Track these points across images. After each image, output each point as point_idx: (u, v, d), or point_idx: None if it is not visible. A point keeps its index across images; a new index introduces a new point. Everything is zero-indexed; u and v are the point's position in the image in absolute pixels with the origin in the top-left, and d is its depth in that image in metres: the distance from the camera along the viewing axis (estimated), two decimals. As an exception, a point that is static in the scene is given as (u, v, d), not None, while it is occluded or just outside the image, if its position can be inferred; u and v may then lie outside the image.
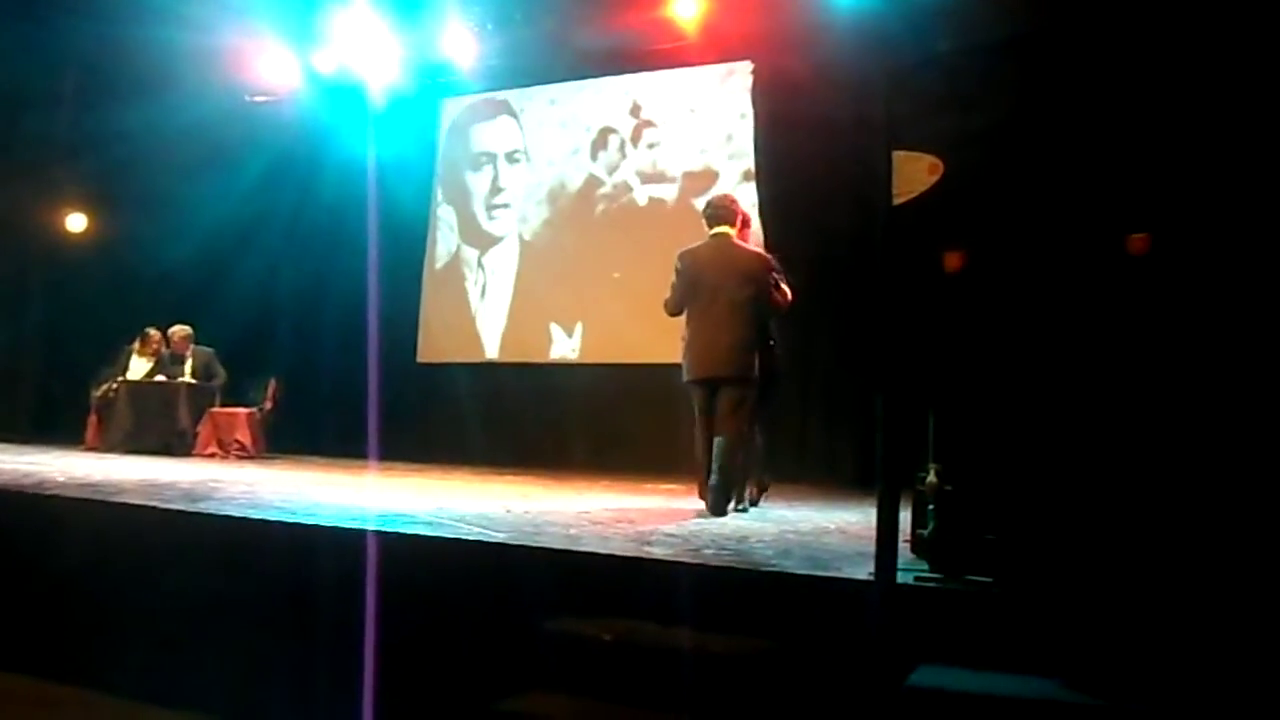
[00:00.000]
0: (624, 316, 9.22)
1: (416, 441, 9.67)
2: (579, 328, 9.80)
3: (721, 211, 5.64)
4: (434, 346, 10.63)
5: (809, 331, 8.68)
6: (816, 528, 4.82)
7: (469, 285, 10.49)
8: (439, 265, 10.69)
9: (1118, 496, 3.00)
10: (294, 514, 4.46)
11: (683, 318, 5.67)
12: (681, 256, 5.62)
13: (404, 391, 10.04)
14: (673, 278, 5.64)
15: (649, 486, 6.75)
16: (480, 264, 10.46)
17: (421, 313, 10.67)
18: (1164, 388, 3.07)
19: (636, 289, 8.96)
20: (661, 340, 7.67)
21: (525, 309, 10.10)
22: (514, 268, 10.26)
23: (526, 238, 10.23)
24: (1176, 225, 3.21)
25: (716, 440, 5.33)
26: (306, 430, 9.78)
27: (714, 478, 5.28)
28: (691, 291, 5.51)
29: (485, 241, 10.45)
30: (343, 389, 9.02)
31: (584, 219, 9.88)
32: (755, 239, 5.80)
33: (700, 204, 6.10)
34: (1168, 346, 3.12)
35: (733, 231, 5.63)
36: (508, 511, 5.12)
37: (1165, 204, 3.22)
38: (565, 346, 9.85)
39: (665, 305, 5.72)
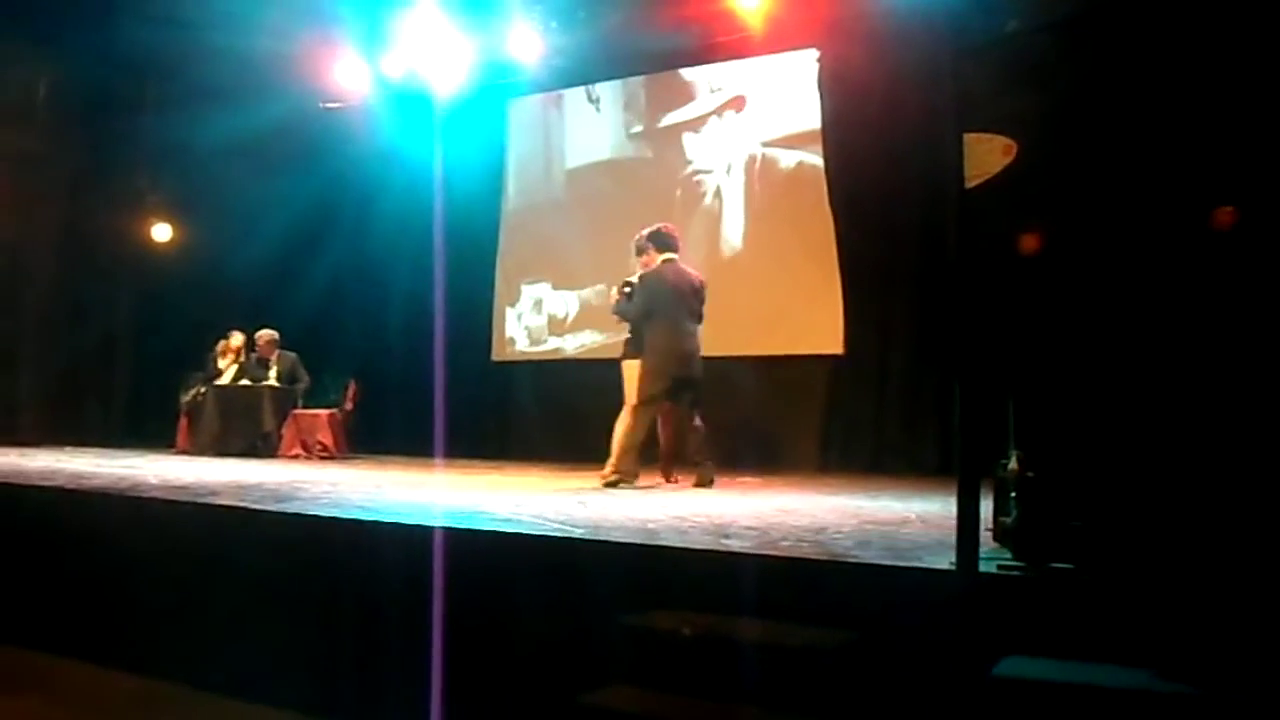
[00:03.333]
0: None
1: (493, 439, 9.80)
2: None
3: (672, 240, 6.80)
4: (508, 345, 10.72)
5: (885, 319, 8.59)
6: (896, 517, 4.76)
7: (542, 283, 10.56)
8: (511, 264, 10.77)
9: (1206, 479, 2.91)
10: (377, 513, 4.54)
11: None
12: (648, 275, 6.69)
13: (480, 391, 10.16)
14: (624, 289, 6.87)
15: (725, 480, 6.74)
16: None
17: (494, 312, 10.77)
18: (1254, 366, 2.97)
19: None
20: (731, 333, 7.67)
21: (599, 305, 10.11)
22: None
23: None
24: (1264, 197, 3.10)
25: (696, 429, 6.57)
26: (386, 430, 9.94)
27: (707, 461, 6.56)
28: (657, 305, 6.58)
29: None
30: (420, 390, 9.15)
31: (652, 212, 9.85)
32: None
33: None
34: (1257, 324, 3.02)
35: (678, 257, 6.77)
36: (582, 504, 5.15)
37: (1251, 176, 3.11)
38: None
39: (624, 313, 6.87)
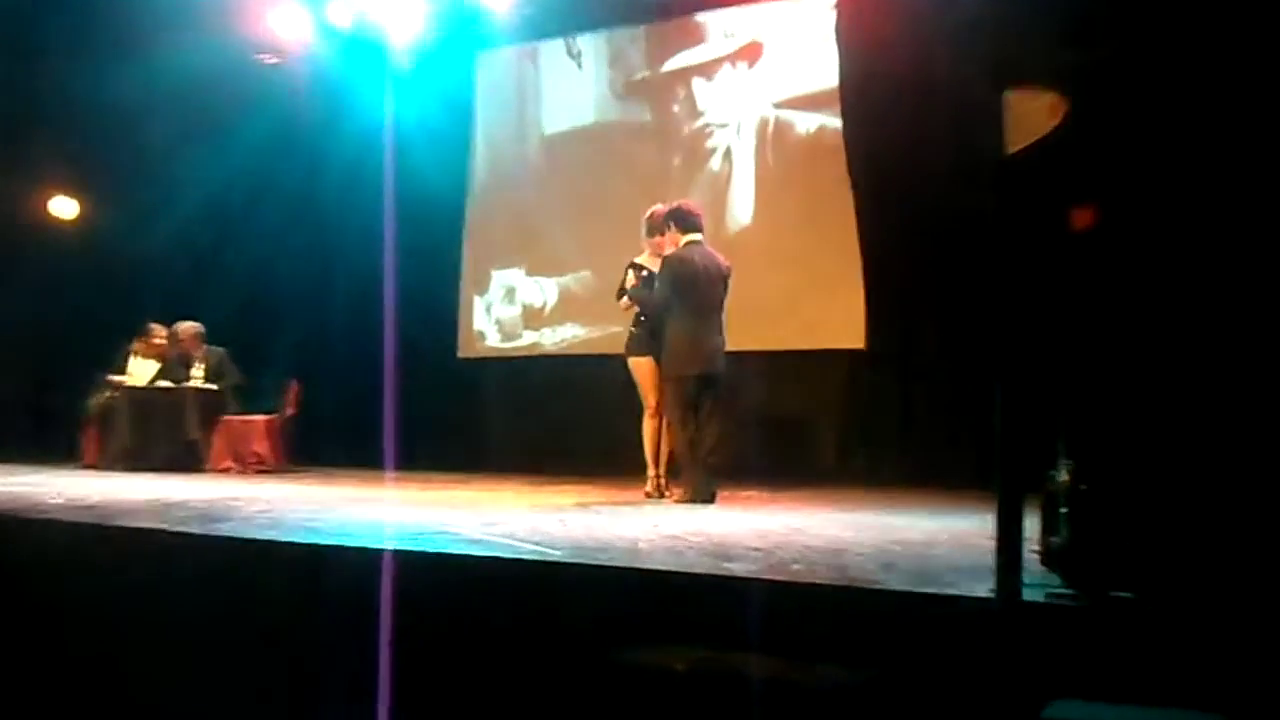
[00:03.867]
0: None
1: (458, 449, 9.77)
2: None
3: (696, 220, 6.88)
4: (476, 339, 10.69)
5: (912, 310, 8.60)
6: (926, 536, 4.78)
7: (516, 268, 10.52)
8: (479, 246, 10.73)
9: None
10: (324, 535, 4.53)
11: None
12: (674, 259, 6.75)
13: (443, 393, 10.14)
14: (641, 272, 6.98)
15: (727, 494, 6.74)
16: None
17: (460, 302, 10.74)
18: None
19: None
20: (736, 324, 7.67)
21: (582, 294, 10.08)
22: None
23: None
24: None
25: (712, 428, 6.61)
26: (332, 439, 9.92)
27: (711, 459, 6.56)
28: (684, 293, 6.66)
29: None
30: (373, 392, 9.12)
31: (644, 184, 9.83)
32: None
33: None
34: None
35: (702, 238, 6.84)
36: (562, 523, 5.14)
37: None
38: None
39: (643, 301, 6.90)
